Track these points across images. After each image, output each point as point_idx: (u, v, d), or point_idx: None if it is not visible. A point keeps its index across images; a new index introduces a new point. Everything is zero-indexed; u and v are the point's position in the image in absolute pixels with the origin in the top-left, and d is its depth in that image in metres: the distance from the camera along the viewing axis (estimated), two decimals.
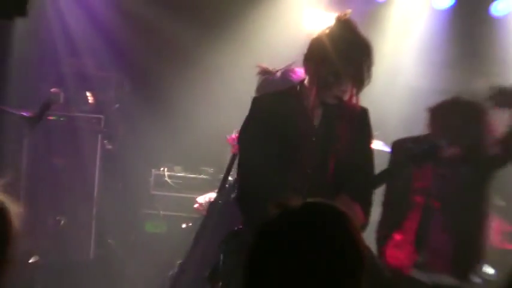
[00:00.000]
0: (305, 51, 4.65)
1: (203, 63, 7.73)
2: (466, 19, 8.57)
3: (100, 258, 7.30)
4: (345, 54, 4.55)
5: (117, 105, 7.73)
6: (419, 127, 6.49)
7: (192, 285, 5.79)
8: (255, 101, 4.87)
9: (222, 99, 7.23)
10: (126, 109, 7.92)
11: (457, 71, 8.85)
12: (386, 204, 5.50)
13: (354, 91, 4.65)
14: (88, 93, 7.45)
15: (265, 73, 5.81)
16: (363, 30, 5.20)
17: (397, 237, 5.39)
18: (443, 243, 5.03)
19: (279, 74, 5.79)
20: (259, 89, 5.79)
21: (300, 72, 5.66)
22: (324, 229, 2.45)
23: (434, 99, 7.68)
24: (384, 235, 5.45)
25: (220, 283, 4.77)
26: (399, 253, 5.29)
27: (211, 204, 6.18)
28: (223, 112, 6.85)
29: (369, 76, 4.60)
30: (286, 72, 5.77)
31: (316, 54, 4.63)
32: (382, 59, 7.35)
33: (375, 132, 5.62)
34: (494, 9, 8.31)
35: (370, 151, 4.93)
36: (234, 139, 6.15)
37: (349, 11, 4.73)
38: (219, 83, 7.47)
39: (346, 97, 4.67)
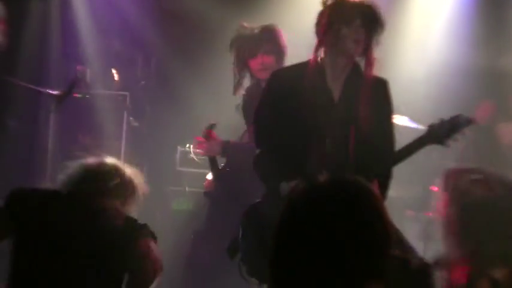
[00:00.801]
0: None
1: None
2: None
3: None
4: (355, 5, 4.65)
5: (142, 83, 7.89)
6: (446, 103, 7.16)
7: (212, 255, 5.75)
8: (272, 76, 4.93)
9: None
10: (152, 87, 8.08)
11: (485, 48, 8.73)
12: None
13: (369, 60, 4.73)
14: (114, 71, 7.57)
15: (244, 28, 5.94)
16: (392, 7, 5.98)
17: None
18: None
19: (259, 28, 5.92)
20: (234, 42, 5.95)
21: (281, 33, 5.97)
22: (352, 204, 2.45)
23: (462, 77, 8.26)
24: None
25: (240, 256, 4.83)
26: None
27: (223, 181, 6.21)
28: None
29: (382, 25, 4.68)
30: (268, 28, 5.94)
31: (329, 11, 4.66)
32: (410, 34, 7.93)
33: (401, 108, 5.86)
34: None
35: (391, 126, 4.95)
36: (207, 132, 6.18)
37: None
38: None
39: (359, 51, 4.70)
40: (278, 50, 5.81)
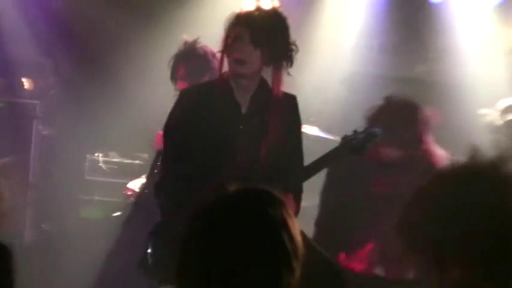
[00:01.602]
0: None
1: (141, 50, 7.76)
2: (406, 5, 8.65)
3: (34, 244, 7.33)
4: (248, 21, 4.71)
5: (52, 91, 7.77)
6: (357, 113, 6.46)
7: (123, 270, 5.77)
8: (182, 94, 5.07)
9: (158, 84, 7.06)
10: (61, 96, 7.92)
11: (396, 56, 9.01)
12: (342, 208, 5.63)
13: (277, 77, 4.80)
14: (24, 79, 7.60)
15: (183, 44, 6.18)
16: (302, 16, 6.12)
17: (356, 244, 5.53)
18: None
19: (200, 47, 6.19)
20: (177, 60, 6.12)
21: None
22: (260, 213, 2.47)
23: (373, 85, 8.11)
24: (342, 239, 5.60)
25: (150, 270, 4.89)
26: (359, 263, 5.41)
27: (140, 191, 6.43)
28: (159, 97, 6.74)
29: (282, 59, 4.76)
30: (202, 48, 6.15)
31: (227, 25, 4.75)
32: (321, 46, 7.95)
33: (310, 119, 6.07)
34: None
35: (299, 139, 5.06)
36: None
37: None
38: (155, 71, 7.23)
39: (249, 64, 4.74)
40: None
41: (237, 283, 2.36)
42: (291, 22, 4.93)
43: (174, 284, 2.53)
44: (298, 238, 2.47)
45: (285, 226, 2.43)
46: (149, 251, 4.97)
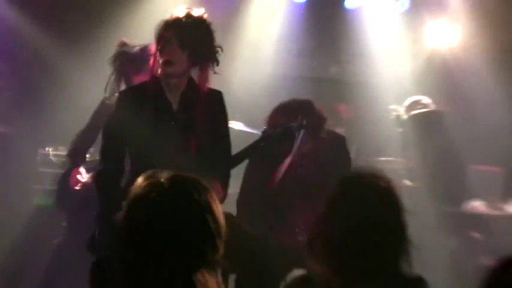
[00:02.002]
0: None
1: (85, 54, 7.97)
2: (322, 12, 9.31)
3: None
4: (175, 26, 5.02)
5: (7, 93, 8.16)
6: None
7: (74, 253, 6.01)
8: (119, 95, 5.45)
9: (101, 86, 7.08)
10: (16, 97, 8.30)
11: (313, 59, 9.79)
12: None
13: (203, 75, 5.16)
14: None
15: (124, 44, 6.35)
16: (227, 23, 6.24)
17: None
18: (305, 223, 5.42)
19: (137, 48, 6.35)
20: (115, 58, 6.35)
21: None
22: (186, 198, 2.72)
23: (292, 85, 8.90)
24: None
25: (98, 250, 5.06)
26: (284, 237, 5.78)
27: (87, 183, 6.55)
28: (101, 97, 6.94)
29: (209, 59, 5.12)
30: (147, 47, 6.29)
31: (159, 32, 5.05)
32: (245, 49, 8.46)
33: (236, 115, 6.35)
34: (347, 3, 9.07)
35: (227, 131, 5.41)
36: None
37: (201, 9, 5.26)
38: (99, 69, 7.24)
39: (178, 64, 5.06)
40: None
41: (167, 258, 2.61)
42: (217, 27, 5.23)
43: (115, 261, 2.81)
44: (222, 219, 2.71)
45: (209, 209, 2.68)
46: (97, 232, 5.15)
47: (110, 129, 5.30)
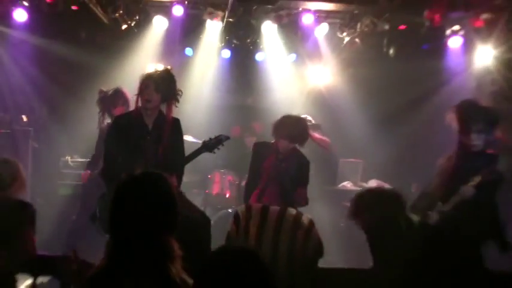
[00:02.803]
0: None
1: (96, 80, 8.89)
2: (241, 63, 10.94)
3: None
4: (153, 79, 5.92)
5: (40, 121, 9.73)
6: (215, 126, 8.56)
7: (84, 223, 6.88)
8: (114, 119, 6.37)
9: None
10: (46, 124, 9.86)
11: (235, 94, 11.57)
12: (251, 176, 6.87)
13: (169, 108, 6.02)
14: (23, 116, 9.54)
15: (102, 92, 7.49)
16: (180, 71, 7.21)
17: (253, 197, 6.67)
18: (277, 204, 5.61)
19: (111, 90, 7.42)
20: (98, 101, 7.47)
21: (127, 92, 7.38)
22: (155, 185, 3.28)
23: (223, 111, 10.45)
24: (249, 194, 6.79)
25: (98, 221, 5.99)
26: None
27: (90, 176, 7.88)
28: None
29: (173, 98, 5.98)
30: (119, 89, 7.50)
31: (141, 80, 5.98)
32: (190, 88, 9.31)
33: (186, 132, 6.74)
34: (257, 56, 10.74)
35: (182, 144, 6.27)
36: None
37: (168, 66, 6.14)
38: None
39: (153, 102, 5.92)
40: (126, 102, 7.52)
41: (144, 228, 3.20)
42: (175, 75, 6.13)
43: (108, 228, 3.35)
44: (176, 199, 3.27)
45: (168, 190, 3.27)
46: (97, 209, 6.05)
47: (109, 142, 6.18)
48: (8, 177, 5.07)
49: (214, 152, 6.34)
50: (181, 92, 6.04)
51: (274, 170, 6.55)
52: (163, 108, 6.05)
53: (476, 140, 5.82)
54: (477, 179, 5.59)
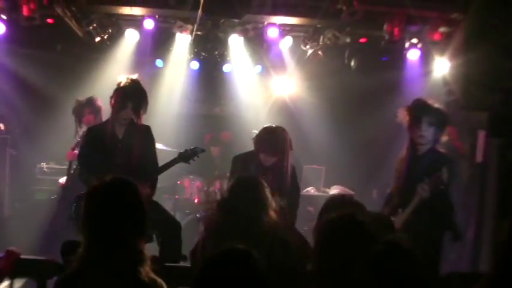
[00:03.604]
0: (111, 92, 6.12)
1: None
2: (209, 74, 11.19)
3: (12, 213, 9.24)
4: (125, 93, 6.10)
5: (17, 130, 9.94)
6: (184, 135, 9.62)
7: (60, 225, 7.22)
8: (88, 130, 6.59)
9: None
10: (23, 131, 10.12)
11: (203, 103, 11.94)
12: None
13: (138, 117, 6.17)
14: (1, 124, 9.63)
15: (77, 101, 7.84)
16: (151, 81, 7.37)
17: None
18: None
19: (85, 100, 7.75)
20: (73, 110, 7.76)
21: (99, 101, 7.69)
22: (120, 193, 3.37)
23: (191, 119, 10.95)
24: None
25: (74, 220, 5.94)
26: None
27: (65, 182, 8.20)
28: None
29: (143, 108, 6.14)
30: (91, 99, 7.81)
31: (115, 93, 6.13)
32: (160, 97, 10.18)
33: (157, 140, 6.79)
34: (225, 68, 10.94)
35: (154, 151, 6.47)
36: (72, 154, 7.86)
37: (136, 75, 6.27)
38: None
39: (133, 119, 6.10)
40: (96, 110, 7.85)
41: (112, 236, 3.28)
42: (146, 85, 6.37)
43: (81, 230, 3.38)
44: (145, 204, 3.39)
45: (134, 197, 3.40)
46: (73, 209, 6.20)
47: (81, 149, 6.54)
48: None
49: (189, 163, 6.60)
50: (148, 102, 6.30)
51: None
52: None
53: (426, 131, 6.03)
54: (428, 181, 5.76)
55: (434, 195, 5.75)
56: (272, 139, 6.46)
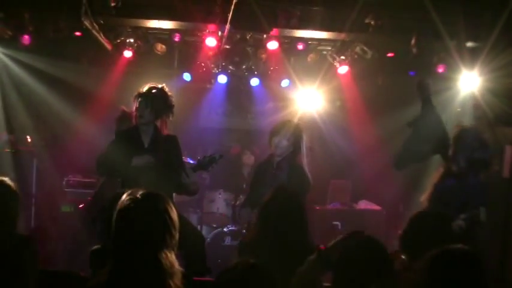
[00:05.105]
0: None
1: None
2: (236, 88, 11.33)
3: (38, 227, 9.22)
4: (143, 95, 6.07)
5: (43, 143, 10.00)
6: (209, 147, 9.68)
7: (84, 237, 7.06)
8: (116, 133, 6.49)
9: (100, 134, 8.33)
10: (49, 144, 10.15)
11: (231, 117, 12.04)
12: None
13: (162, 122, 6.10)
14: (27, 136, 9.82)
15: (121, 110, 7.45)
16: (178, 94, 6.71)
17: None
18: None
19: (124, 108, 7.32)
20: (117, 119, 7.44)
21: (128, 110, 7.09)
22: (152, 207, 3.30)
23: (219, 133, 11.16)
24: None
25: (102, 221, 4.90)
26: None
27: (95, 195, 8.06)
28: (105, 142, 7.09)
29: (164, 112, 6.06)
30: (121, 109, 7.48)
31: (134, 98, 6.13)
32: (188, 111, 10.12)
33: (184, 151, 6.75)
34: (252, 82, 10.95)
35: (179, 161, 6.36)
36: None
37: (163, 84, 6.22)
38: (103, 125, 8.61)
39: (145, 117, 6.02)
40: (125, 120, 7.23)
41: (142, 244, 3.22)
42: (175, 100, 6.29)
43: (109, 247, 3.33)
44: (175, 218, 3.28)
45: (166, 212, 3.28)
46: (97, 223, 5.13)
47: (109, 149, 6.31)
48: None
49: (209, 171, 6.58)
50: (173, 106, 6.24)
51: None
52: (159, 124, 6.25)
53: (462, 162, 6.03)
54: (463, 217, 5.76)
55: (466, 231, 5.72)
56: (286, 124, 6.38)
